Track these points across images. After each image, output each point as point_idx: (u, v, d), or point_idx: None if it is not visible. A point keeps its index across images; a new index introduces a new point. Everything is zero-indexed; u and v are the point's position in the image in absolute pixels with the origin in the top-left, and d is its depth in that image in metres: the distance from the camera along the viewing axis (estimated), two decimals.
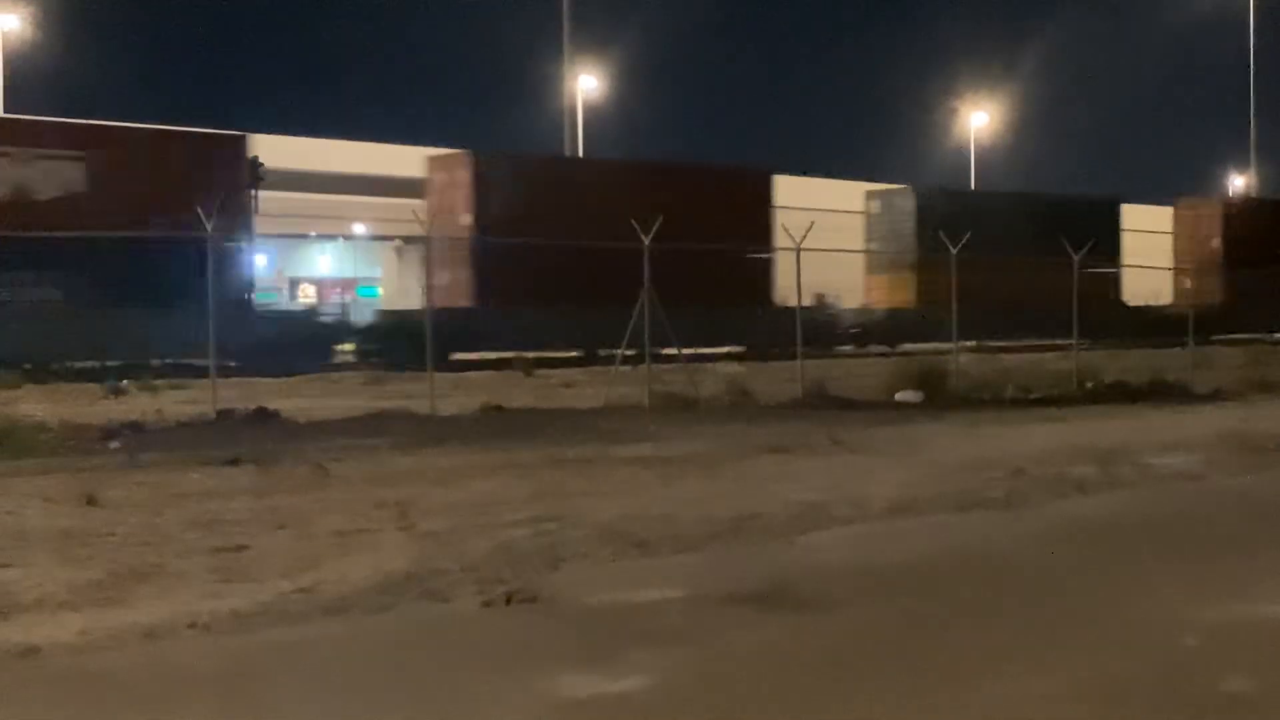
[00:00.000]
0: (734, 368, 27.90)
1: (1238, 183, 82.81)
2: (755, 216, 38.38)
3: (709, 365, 28.25)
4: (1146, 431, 16.41)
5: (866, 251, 43.70)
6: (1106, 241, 44.87)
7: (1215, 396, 22.10)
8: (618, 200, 29.90)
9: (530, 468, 12.71)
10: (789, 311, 37.77)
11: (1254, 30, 64.25)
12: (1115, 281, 46.15)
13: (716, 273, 33.72)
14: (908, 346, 36.29)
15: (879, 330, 41.62)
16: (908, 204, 43.66)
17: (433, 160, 36.66)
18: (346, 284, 67.92)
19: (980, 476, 12.17)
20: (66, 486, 11.09)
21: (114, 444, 14.42)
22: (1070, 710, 5.56)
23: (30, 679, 6.01)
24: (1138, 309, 47.38)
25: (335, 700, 5.70)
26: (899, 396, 20.76)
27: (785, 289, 38.25)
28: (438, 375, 19.74)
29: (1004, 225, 39.67)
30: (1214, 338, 38.37)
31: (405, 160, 47.11)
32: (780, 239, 32.64)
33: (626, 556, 8.66)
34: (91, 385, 22.95)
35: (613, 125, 64.73)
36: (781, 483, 11.79)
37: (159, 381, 23.31)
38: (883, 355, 33.89)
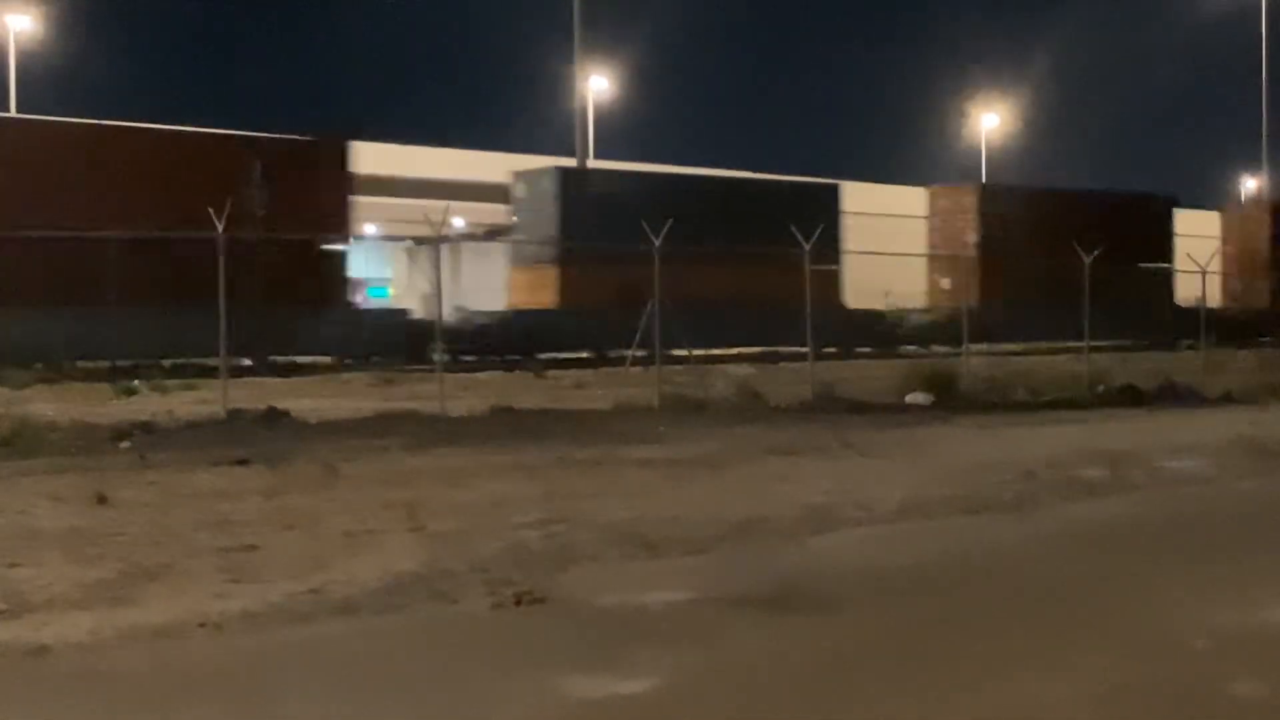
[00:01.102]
0: (744, 370, 27.90)
1: (1249, 185, 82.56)
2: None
3: (719, 367, 28.25)
4: (1157, 434, 16.38)
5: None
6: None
7: (1226, 400, 22.05)
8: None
9: (539, 469, 12.72)
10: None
11: (1265, 29, 63.98)
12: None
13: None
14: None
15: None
16: (551, 186, 37.04)
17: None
18: (356, 284, 67.77)
19: (990, 479, 12.15)
20: (77, 486, 11.12)
21: (124, 444, 14.46)
22: (1079, 715, 5.55)
23: (40, 678, 6.03)
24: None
25: (344, 700, 5.71)
26: (909, 399, 20.74)
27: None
28: (448, 376, 19.75)
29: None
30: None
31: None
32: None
33: (635, 558, 8.67)
34: (102, 385, 23.00)
35: (621, 129, 64.77)
36: (790, 485, 11.78)
37: (171, 382, 23.35)
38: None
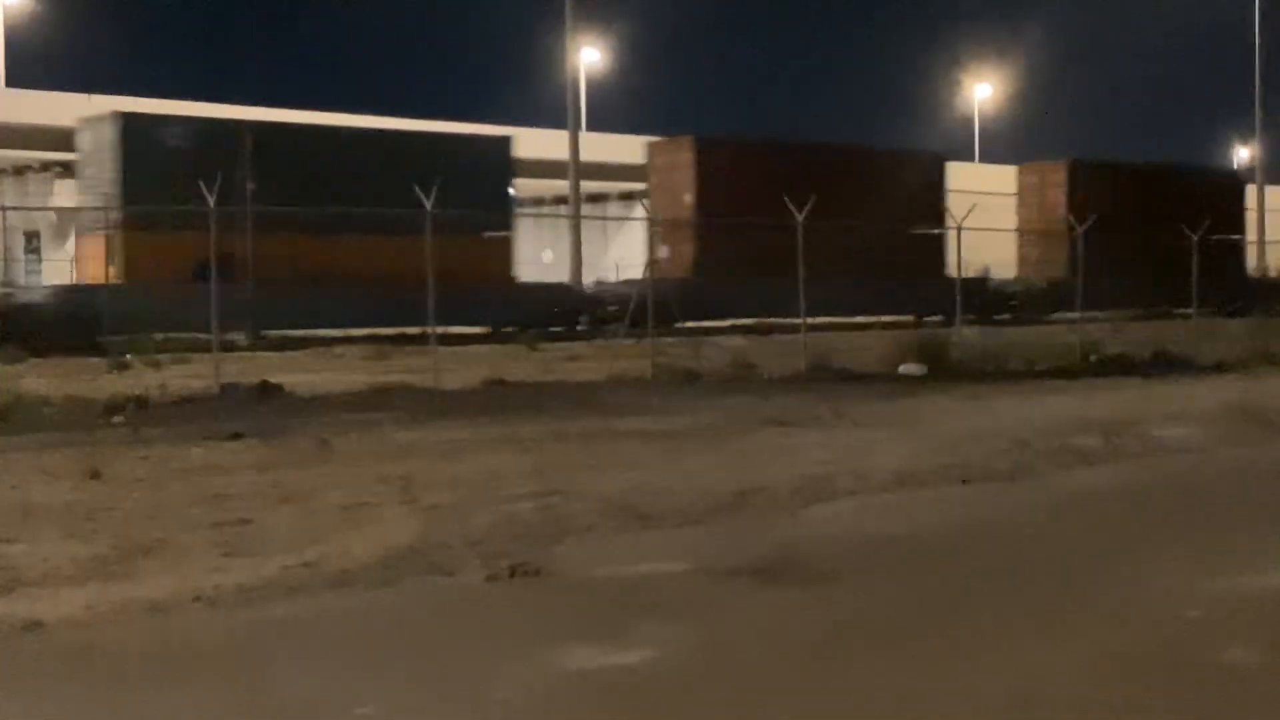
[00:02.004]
0: (737, 341, 27.91)
1: (1242, 154, 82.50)
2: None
3: (712, 338, 28.25)
4: (1150, 403, 16.41)
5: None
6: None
7: (1219, 369, 22.08)
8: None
9: (533, 442, 12.72)
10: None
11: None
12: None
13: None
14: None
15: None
16: (111, 134, 31.93)
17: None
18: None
19: (984, 449, 12.17)
20: (70, 461, 11.11)
21: (117, 419, 14.44)
22: (1074, 682, 5.56)
23: (35, 653, 6.03)
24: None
25: (339, 673, 5.71)
26: (902, 369, 20.76)
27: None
28: (441, 349, 19.73)
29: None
30: None
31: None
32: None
33: (630, 530, 8.67)
34: (95, 360, 22.96)
35: (617, 99, 64.54)
36: (785, 455, 11.79)
37: (162, 356, 23.31)
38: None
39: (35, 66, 54.17)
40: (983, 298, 40.17)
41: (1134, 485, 10.78)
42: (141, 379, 19.54)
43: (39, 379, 19.32)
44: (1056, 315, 35.67)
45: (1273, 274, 52.09)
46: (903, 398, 17.12)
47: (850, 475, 10.67)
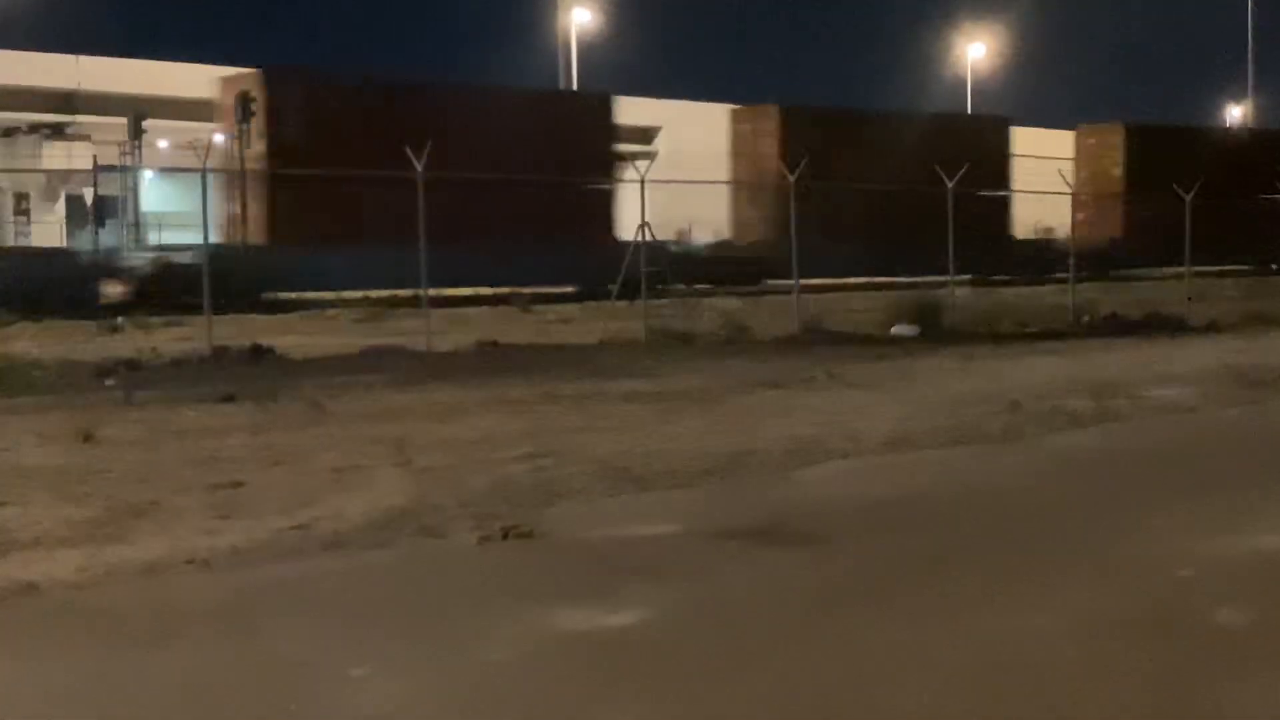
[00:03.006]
0: (731, 303, 27.90)
1: (1235, 114, 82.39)
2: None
3: (706, 300, 28.24)
4: (1142, 365, 16.43)
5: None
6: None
7: (1210, 329, 22.11)
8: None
9: (526, 404, 12.72)
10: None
11: None
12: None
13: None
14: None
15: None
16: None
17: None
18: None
19: (976, 410, 12.19)
20: (63, 424, 11.09)
21: (109, 381, 14.42)
22: (1066, 644, 5.59)
23: (29, 616, 6.04)
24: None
25: (332, 635, 5.72)
26: (895, 330, 20.77)
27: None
28: (434, 311, 19.71)
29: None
30: None
31: None
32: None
33: (623, 492, 8.68)
34: (86, 323, 22.91)
35: (605, 58, 64.20)
36: (778, 418, 11.80)
37: (155, 319, 23.27)
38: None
39: (15, 28, 53.57)
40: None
41: (1125, 446, 10.80)
42: (132, 342, 19.51)
43: (30, 342, 19.29)
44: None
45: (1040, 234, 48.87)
46: (895, 360, 17.13)
47: (843, 437, 10.68)
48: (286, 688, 5.14)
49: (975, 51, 72.93)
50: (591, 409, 12.40)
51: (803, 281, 22.54)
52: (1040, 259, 41.06)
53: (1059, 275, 38.37)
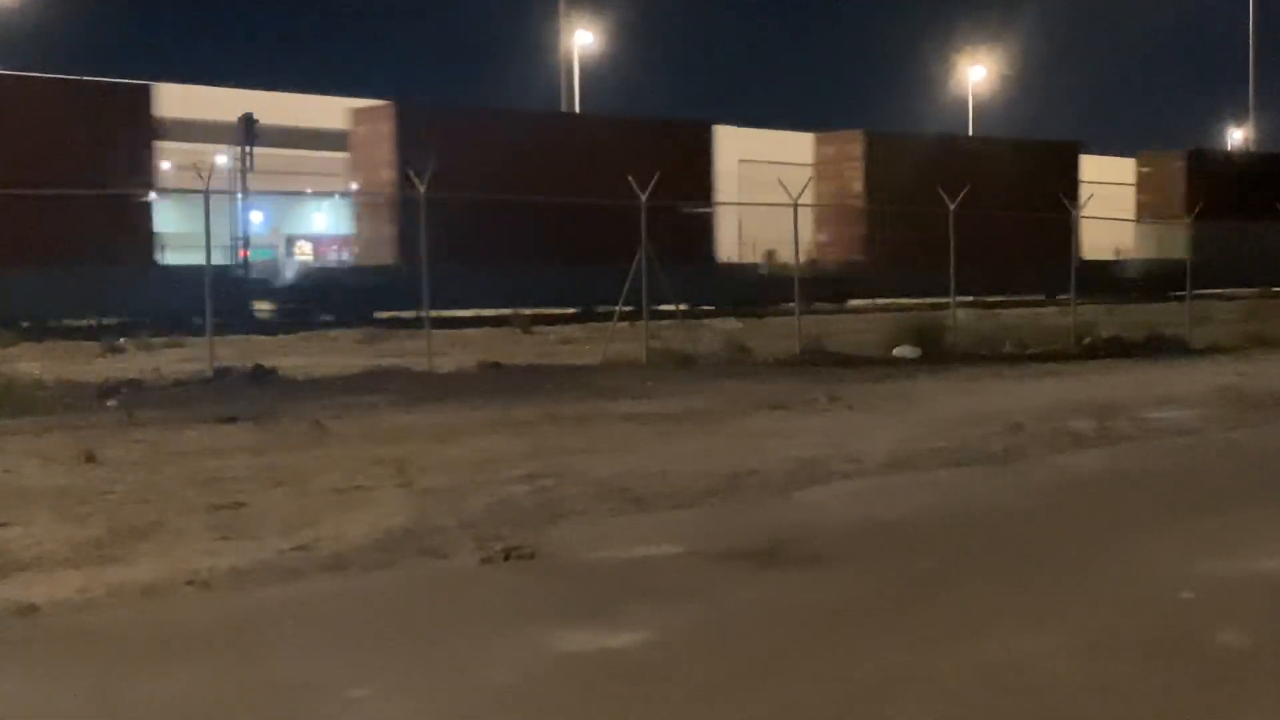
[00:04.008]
0: (731, 324, 27.90)
1: (1236, 136, 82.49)
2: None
3: (707, 322, 28.25)
4: (1143, 386, 16.43)
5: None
6: None
7: (1212, 351, 22.11)
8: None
9: (528, 424, 12.72)
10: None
11: None
12: None
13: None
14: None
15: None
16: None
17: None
18: (343, 241, 67.67)
19: (978, 432, 12.18)
20: (65, 444, 11.10)
21: (112, 402, 14.42)
22: (1067, 666, 5.58)
23: (30, 637, 6.03)
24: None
25: (333, 656, 5.72)
26: (897, 352, 20.78)
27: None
28: (435, 333, 19.73)
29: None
30: None
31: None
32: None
33: (624, 513, 8.68)
34: (88, 344, 22.93)
35: (606, 81, 64.40)
36: (779, 439, 11.80)
37: (156, 340, 23.29)
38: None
39: (9, 48, 53.64)
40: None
41: (1127, 468, 10.78)
42: (135, 362, 19.53)
43: (32, 362, 19.30)
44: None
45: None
46: (897, 381, 17.13)
47: (844, 459, 10.68)
48: (287, 710, 5.13)
49: (976, 74, 73.09)
50: (593, 430, 12.40)
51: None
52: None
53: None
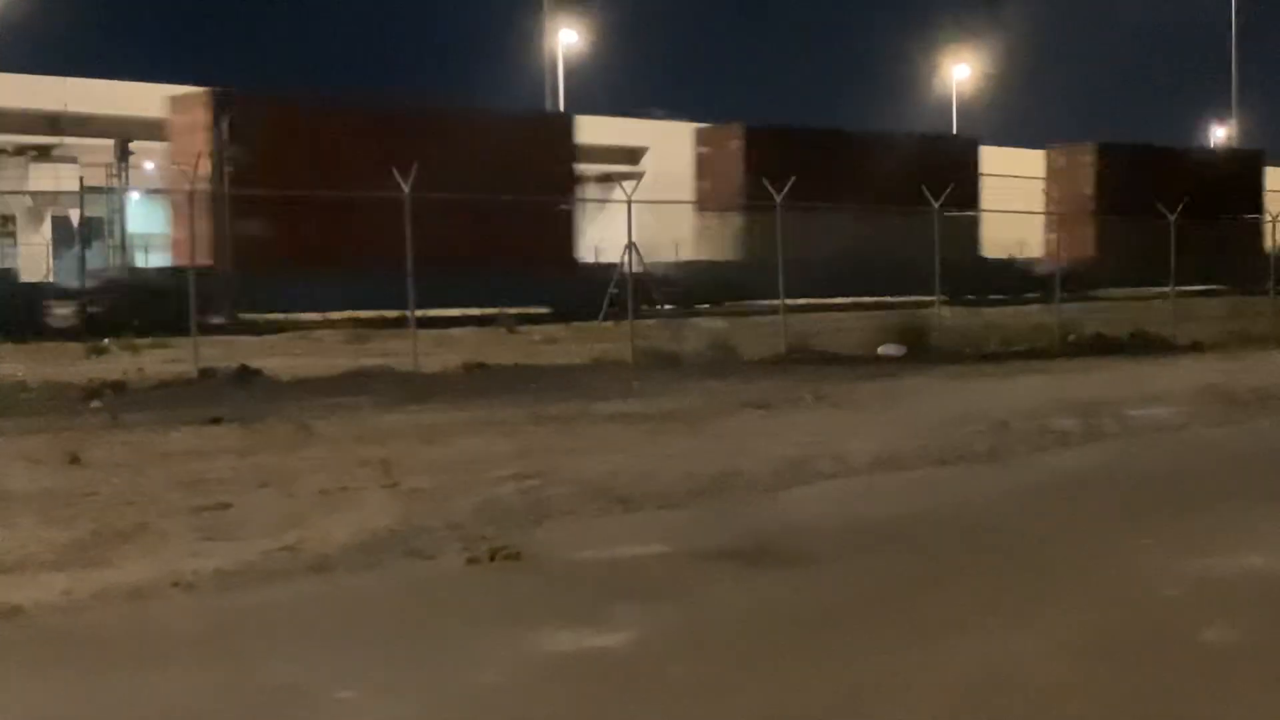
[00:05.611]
0: (717, 323, 27.91)
1: (1219, 134, 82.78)
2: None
3: (692, 321, 28.26)
4: (1128, 384, 16.47)
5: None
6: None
7: (1196, 349, 22.18)
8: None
9: (513, 425, 12.72)
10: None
11: None
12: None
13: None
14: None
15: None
16: None
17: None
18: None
19: (963, 430, 12.20)
20: (49, 446, 11.07)
21: (96, 403, 14.38)
22: (1054, 664, 5.60)
23: (14, 639, 6.01)
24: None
25: (319, 658, 5.71)
26: (881, 351, 20.80)
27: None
28: (421, 333, 19.70)
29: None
30: None
31: None
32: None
33: (610, 513, 8.68)
34: (72, 345, 22.87)
35: (590, 79, 64.34)
36: (765, 438, 11.81)
37: (140, 341, 23.22)
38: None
39: (3, 49, 53.31)
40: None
41: (1112, 466, 10.81)
42: (119, 363, 19.47)
43: (16, 363, 19.23)
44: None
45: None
46: (882, 379, 17.15)
47: (829, 458, 10.69)
48: (273, 712, 5.12)
49: (960, 73, 73.21)
50: (579, 430, 12.39)
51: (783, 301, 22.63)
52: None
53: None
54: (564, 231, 35.19)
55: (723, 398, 14.88)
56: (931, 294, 25.09)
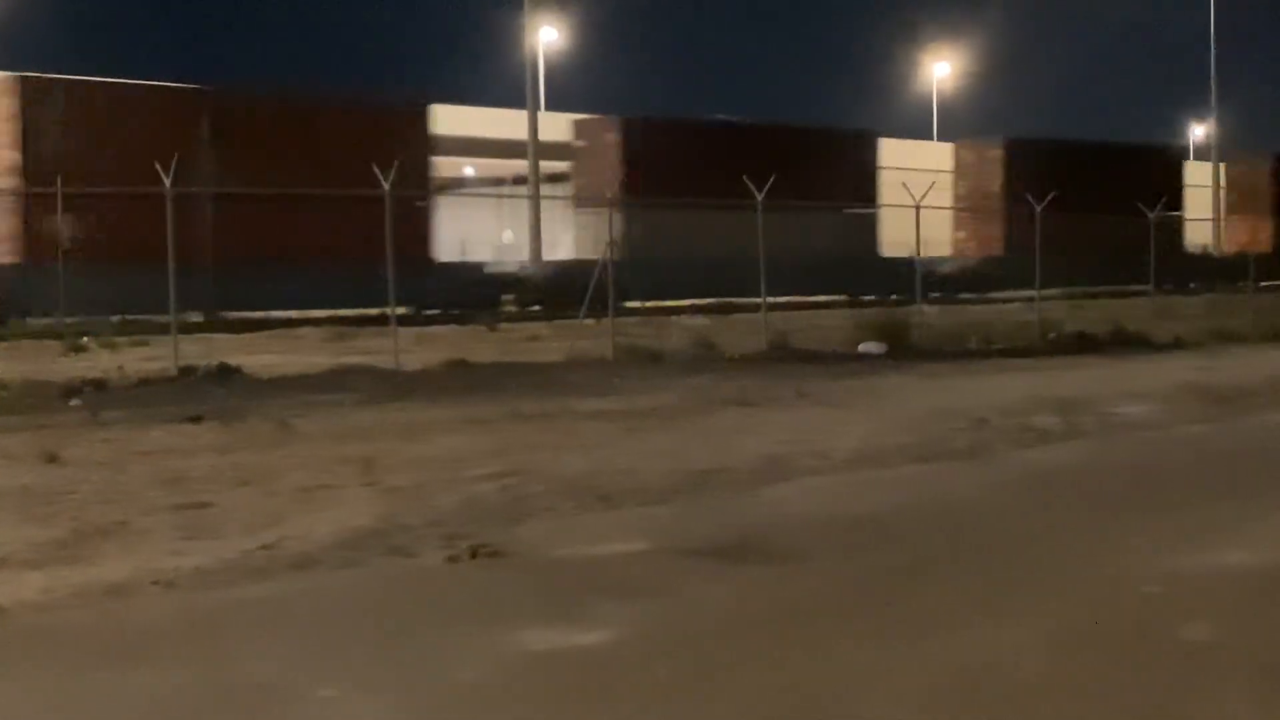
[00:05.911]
0: (699, 321, 27.93)
1: (1198, 132, 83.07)
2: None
3: (674, 318, 28.27)
4: (1108, 381, 16.52)
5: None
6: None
7: (1175, 346, 22.26)
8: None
9: (494, 422, 12.70)
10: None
11: None
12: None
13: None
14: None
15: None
16: None
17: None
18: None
19: (944, 427, 12.23)
20: (27, 444, 11.02)
21: (75, 401, 14.32)
22: (1035, 661, 5.61)
23: None
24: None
25: (300, 656, 5.69)
26: (862, 348, 20.81)
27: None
28: (401, 330, 19.66)
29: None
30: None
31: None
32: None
33: (591, 510, 8.67)
34: (51, 342, 22.77)
35: (571, 78, 64.35)
36: (746, 435, 11.81)
37: (120, 338, 23.12)
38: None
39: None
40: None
41: (1093, 462, 10.85)
42: (98, 361, 19.39)
43: None
44: None
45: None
46: (863, 377, 17.18)
47: (811, 455, 10.70)
48: (253, 710, 5.10)
49: (940, 70, 73.38)
50: (560, 427, 12.38)
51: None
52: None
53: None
54: (420, 228, 33.04)
55: (704, 394, 14.88)
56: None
